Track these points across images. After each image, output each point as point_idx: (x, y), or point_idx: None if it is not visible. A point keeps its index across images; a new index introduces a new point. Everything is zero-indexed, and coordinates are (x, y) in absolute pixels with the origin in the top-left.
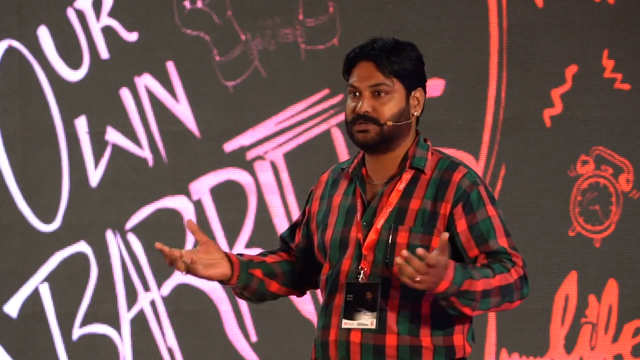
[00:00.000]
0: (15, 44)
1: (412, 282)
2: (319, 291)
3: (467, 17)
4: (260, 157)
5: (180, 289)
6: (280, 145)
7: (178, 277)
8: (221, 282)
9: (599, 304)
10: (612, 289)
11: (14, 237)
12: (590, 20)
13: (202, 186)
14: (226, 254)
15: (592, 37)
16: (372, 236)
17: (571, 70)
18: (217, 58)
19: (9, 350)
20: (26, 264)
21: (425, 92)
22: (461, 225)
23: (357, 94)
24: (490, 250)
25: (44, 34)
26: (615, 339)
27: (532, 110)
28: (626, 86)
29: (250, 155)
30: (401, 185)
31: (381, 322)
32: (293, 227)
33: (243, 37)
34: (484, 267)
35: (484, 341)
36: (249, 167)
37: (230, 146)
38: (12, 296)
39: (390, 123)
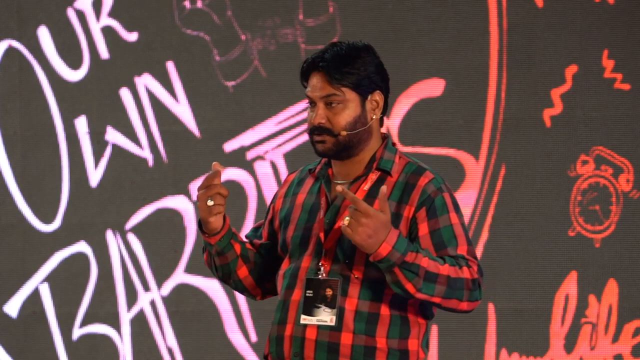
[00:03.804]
0: (15, 44)
1: (345, 226)
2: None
3: (467, 17)
4: (260, 157)
5: (180, 289)
6: (280, 145)
7: (178, 277)
8: (205, 233)
9: (599, 304)
10: (612, 289)
11: (14, 237)
12: (590, 20)
13: None
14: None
15: (592, 37)
16: (334, 234)
17: (571, 70)
18: (217, 58)
19: (9, 350)
20: (26, 264)
21: (385, 94)
22: (423, 229)
23: (313, 103)
24: (448, 256)
25: (44, 34)
26: (615, 339)
27: (532, 110)
28: (626, 86)
29: (250, 155)
30: (366, 186)
31: (338, 319)
32: (257, 228)
33: (243, 37)
34: (436, 256)
35: (484, 341)
36: (249, 167)
37: (230, 146)
38: (12, 296)
39: (344, 133)
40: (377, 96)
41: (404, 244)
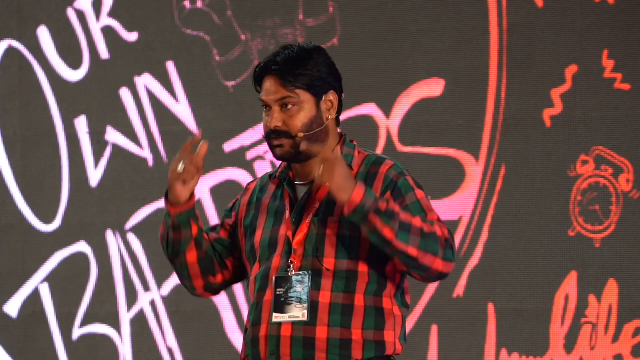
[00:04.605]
0: (15, 44)
1: (319, 176)
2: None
3: (467, 17)
4: (260, 157)
5: (180, 289)
6: None
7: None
8: (169, 202)
9: (599, 304)
10: (612, 289)
11: (14, 237)
12: (590, 20)
13: (202, 186)
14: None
15: (592, 37)
16: (301, 230)
17: (571, 70)
18: (217, 58)
19: (9, 350)
20: (26, 264)
21: (339, 93)
22: None
23: (267, 107)
24: None
25: (44, 34)
26: (615, 339)
27: (532, 110)
28: (626, 86)
29: (250, 155)
30: None
31: (312, 314)
32: (214, 227)
33: (243, 37)
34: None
35: (484, 341)
36: (249, 167)
37: (230, 146)
38: (12, 296)
39: (301, 134)
40: (332, 96)
41: (374, 194)
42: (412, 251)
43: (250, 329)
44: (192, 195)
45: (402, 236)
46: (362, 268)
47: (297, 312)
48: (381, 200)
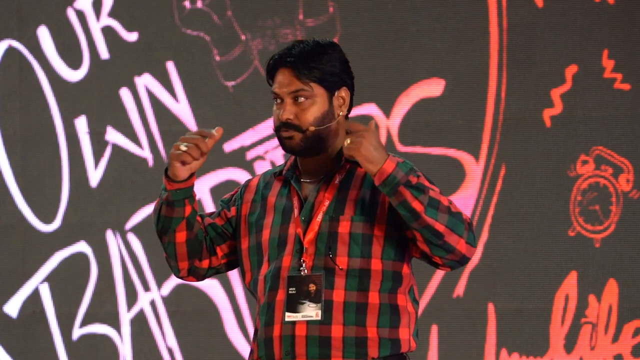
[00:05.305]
0: (15, 44)
1: (348, 145)
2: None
3: (467, 17)
4: (260, 157)
5: (180, 289)
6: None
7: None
8: (168, 177)
9: (599, 304)
10: (612, 289)
11: (14, 237)
12: (590, 20)
13: (202, 186)
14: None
15: (592, 37)
16: (312, 229)
17: (571, 70)
18: (217, 58)
19: (9, 350)
20: (26, 264)
21: (351, 90)
22: None
23: (279, 100)
24: None
25: (44, 34)
26: (615, 339)
27: (532, 110)
28: (626, 86)
29: (250, 155)
30: (337, 180)
31: (327, 313)
32: (210, 213)
33: (243, 37)
34: None
35: (484, 341)
36: (249, 167)
37: (230, 146)
38: (12, 296)
39: (312, 128)
40: (344, 92)
41: (406, 167)
42: (440, 227)
43: (263, 330)
44: (192, 175)
45: (431, 212)
46: (375, 266)
47: (311, 312)
48: (412, 174)
